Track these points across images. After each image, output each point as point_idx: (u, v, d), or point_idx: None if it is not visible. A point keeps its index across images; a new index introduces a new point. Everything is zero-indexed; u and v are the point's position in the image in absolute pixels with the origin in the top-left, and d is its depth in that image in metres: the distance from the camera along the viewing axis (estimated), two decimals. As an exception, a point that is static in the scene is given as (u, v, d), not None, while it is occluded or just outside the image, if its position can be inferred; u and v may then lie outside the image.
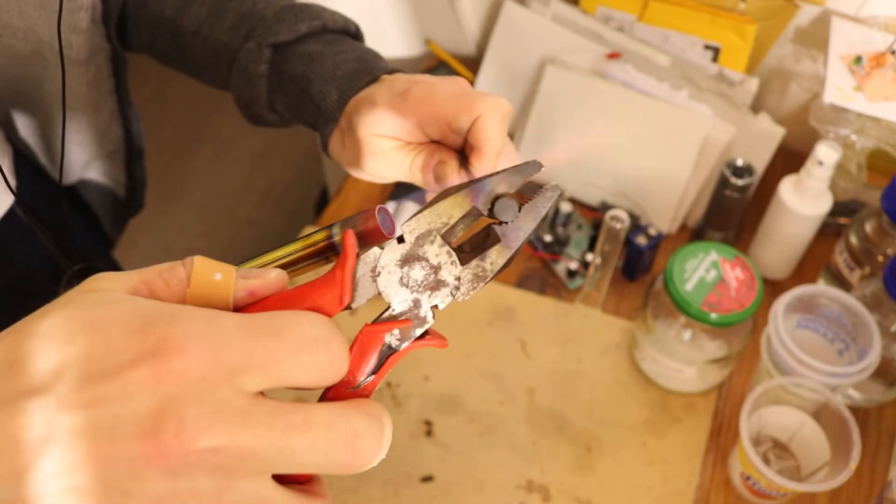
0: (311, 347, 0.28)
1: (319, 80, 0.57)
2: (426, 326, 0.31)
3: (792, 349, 0.70)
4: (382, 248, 0.31)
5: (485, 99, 0.49)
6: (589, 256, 0.89)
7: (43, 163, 0.75)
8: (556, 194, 0.33)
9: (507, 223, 0.32)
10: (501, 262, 0.32)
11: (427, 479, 0.76)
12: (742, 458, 0.70)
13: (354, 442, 0.28)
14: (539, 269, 0.91)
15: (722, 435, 0.79)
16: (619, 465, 0.77)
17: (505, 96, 0.51)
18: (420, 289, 0.31)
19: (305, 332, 0.28)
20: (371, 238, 0.35)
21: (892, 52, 0.85)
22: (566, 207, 0.91)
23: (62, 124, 0.63)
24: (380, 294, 0.31)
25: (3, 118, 0.69)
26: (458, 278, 0.32)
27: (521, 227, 0.32)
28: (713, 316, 0.73)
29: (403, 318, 0.31)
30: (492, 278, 0.32)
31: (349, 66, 0.57)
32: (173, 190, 2.04)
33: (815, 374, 0.70)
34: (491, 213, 0.32)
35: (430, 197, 0.52)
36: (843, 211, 0.91)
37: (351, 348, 0.30)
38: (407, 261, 0.31)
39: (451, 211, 0.32)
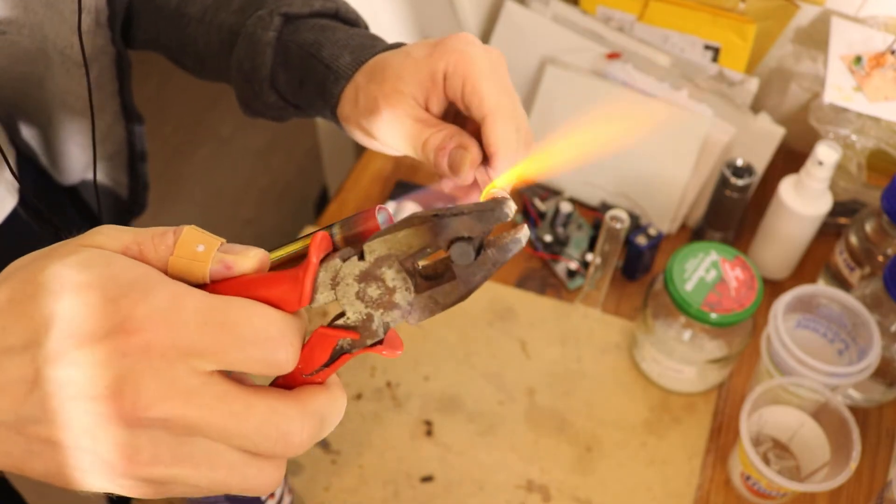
0: (259, 345, 0.30)
1: (332, 44, 0.55)
2: (376, 339, 0.33)
3: (792, 349, 0.70)
4: (344, 261, 0.32)
5: (495, 99, 0.46)
6: (589, 256, 0.89)
7: (45, 164, 0.75)
8: (520, 245, 0.33)
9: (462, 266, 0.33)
10: (452, 300, 0.33)
11: (427, 479, 0.76)
12: (742, 458, 0.70)
13: (285, 438, 0.31)
14: (539, 269, 0.91)
15: (722, 435, 0.79)
16: (619, 465, 0.77)
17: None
18: (374, 305, 0.32)
19: (256, 331, 0.30)
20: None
21: (892, 52, 0.85)
22: (566, 207, 0.90)
23: (91, 125, 0.63)
24: (337, 301, 0.33)
25: (6, 118, 0.68)
26: (411, 304, 0.33)
27: (477, 272, 0.32)
28: (713, 316, 0.73)
29: (355, 328, 0.33)
30: (443, 310, 0.33)
31: (362, 39, 0.56)
32: (173, 189, 2.04)
33: (815, 374, 0.70)
34: (449, 252, 0.33)
35: (437, 188, 0.51)
36: (843, 211, 0.91)
37: (306, 343, 0.32)
38: (364, 278, 0.32)
39: (412, 241, 0.32)
